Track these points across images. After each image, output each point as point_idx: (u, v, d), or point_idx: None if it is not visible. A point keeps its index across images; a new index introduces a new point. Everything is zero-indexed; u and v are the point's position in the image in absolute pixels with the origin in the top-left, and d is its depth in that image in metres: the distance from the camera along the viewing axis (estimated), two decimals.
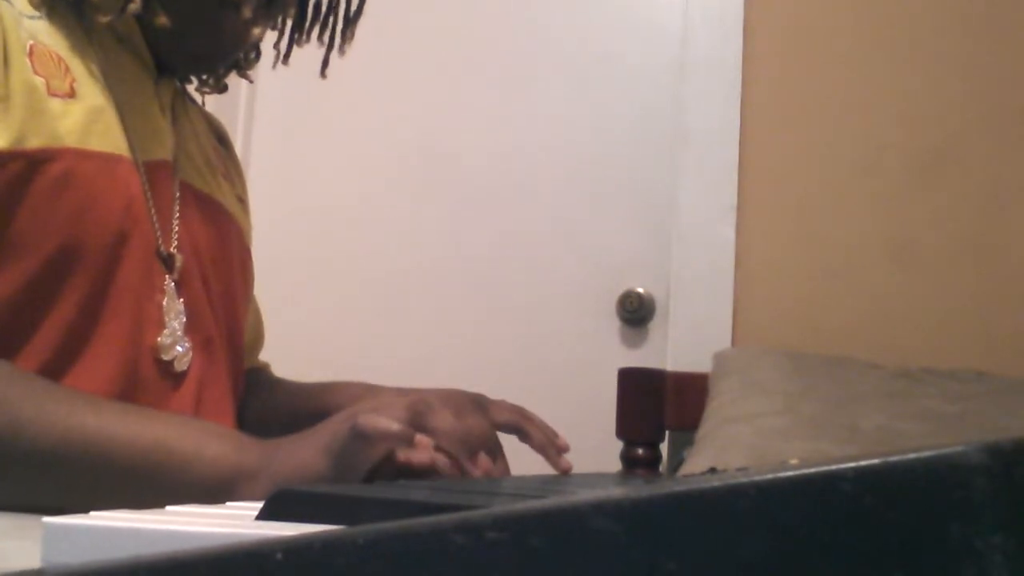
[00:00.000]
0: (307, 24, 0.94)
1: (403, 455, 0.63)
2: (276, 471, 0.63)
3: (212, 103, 1.03)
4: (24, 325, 0.72)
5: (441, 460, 0.63)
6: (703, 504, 0.22)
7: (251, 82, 1.01)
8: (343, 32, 0.94)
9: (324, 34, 0.94)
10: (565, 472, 0.83)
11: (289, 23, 0.94)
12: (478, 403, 0.82)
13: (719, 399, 1.54)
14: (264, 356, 1.10)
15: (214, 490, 0.63)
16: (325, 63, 0.94)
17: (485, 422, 0.79)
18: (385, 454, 0.63)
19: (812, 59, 1.81)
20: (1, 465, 0.63)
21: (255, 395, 0.99)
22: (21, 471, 0.64)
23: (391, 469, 0.66)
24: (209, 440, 0.65)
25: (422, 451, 0.63)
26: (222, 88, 0.97)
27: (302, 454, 0.64)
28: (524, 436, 0.85)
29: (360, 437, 0.62)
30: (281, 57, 0.94)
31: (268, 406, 0.99)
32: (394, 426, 0.62)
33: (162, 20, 0.81)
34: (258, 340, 1.08)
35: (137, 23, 0.82)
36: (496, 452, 0.77)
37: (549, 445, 0.85)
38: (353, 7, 0.94)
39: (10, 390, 0.65)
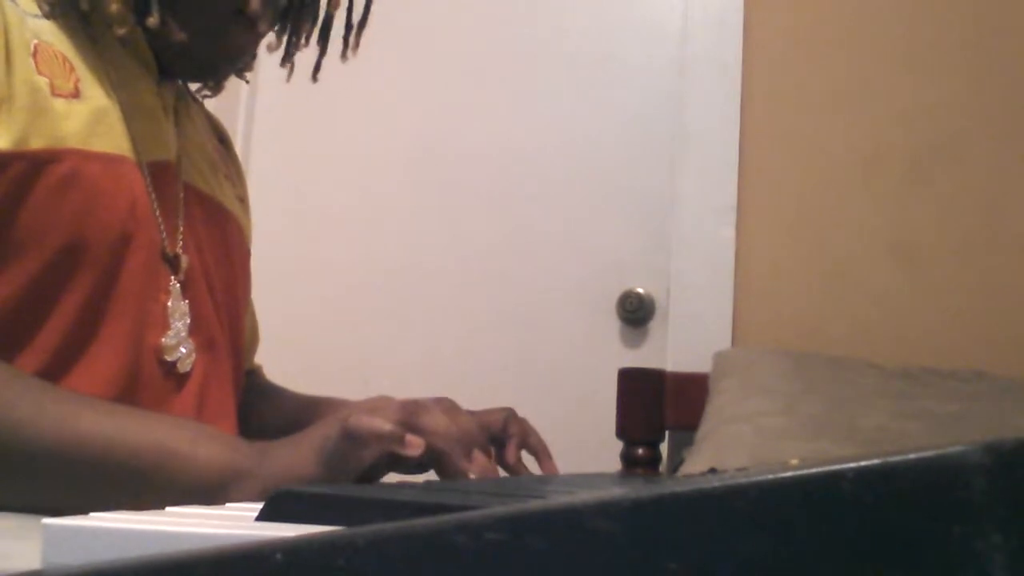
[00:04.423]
0: (314, 31, 0.94)
1: (396, 452, 0.63)
2: (268, 473, 0.63)
3: (212, 103, 1.03)
4: (26, 325, 0.72)
5: (437, 455, 0.63)
6: (703, 504, 0.22)
7: (247, 83, 1.01)
8: (347, 40, 0.94)
9: (324, 41, 0.94)
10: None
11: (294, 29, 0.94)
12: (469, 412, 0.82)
13: (719, 399, 1.54)
14: (261, 356, 1.09)
15: (207, 491, 0.63)
16: (317, 67, 0.95)
17: (476, 422, 0.79)
18: (378, 456, 0.63)
19: (812, 59, 1.81)
20: None
21: (247, 400, 0.98)
22: (18, 472, 0.64)
23: (386, 472, 0.66)
24: (202, 441, 0.65)
25: (414, 449, 0.63)
26: (220, 90, 0.97)
27: (294, 456, 0.64)
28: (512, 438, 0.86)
29: (351, 438, 0.62)
30: (281, 62, 0.94)
31: (259, 414, 0.98)
32: (386, 426, 0.62)
33: (180, 36, 0.81)
34: (254, 342, 1.07)
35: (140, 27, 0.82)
36: (488, 452, 0.77)
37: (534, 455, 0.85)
38: (356, 17, 0.94)
39: (7, 391, 0.65)
